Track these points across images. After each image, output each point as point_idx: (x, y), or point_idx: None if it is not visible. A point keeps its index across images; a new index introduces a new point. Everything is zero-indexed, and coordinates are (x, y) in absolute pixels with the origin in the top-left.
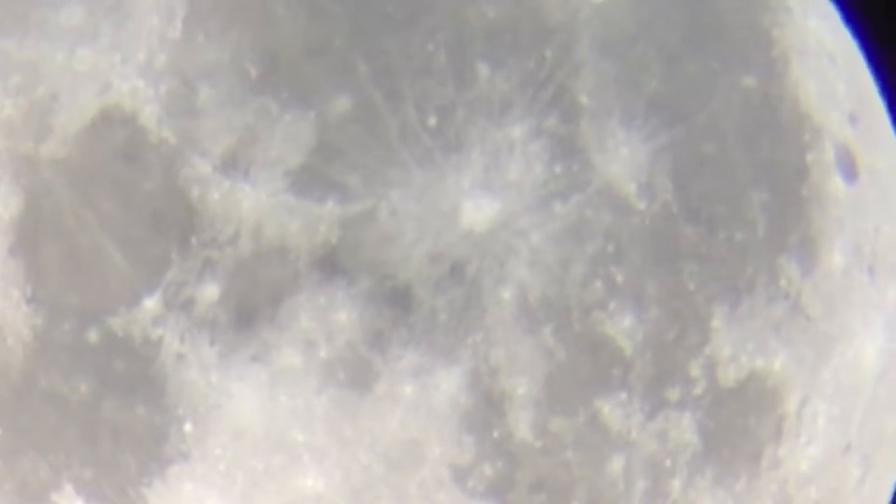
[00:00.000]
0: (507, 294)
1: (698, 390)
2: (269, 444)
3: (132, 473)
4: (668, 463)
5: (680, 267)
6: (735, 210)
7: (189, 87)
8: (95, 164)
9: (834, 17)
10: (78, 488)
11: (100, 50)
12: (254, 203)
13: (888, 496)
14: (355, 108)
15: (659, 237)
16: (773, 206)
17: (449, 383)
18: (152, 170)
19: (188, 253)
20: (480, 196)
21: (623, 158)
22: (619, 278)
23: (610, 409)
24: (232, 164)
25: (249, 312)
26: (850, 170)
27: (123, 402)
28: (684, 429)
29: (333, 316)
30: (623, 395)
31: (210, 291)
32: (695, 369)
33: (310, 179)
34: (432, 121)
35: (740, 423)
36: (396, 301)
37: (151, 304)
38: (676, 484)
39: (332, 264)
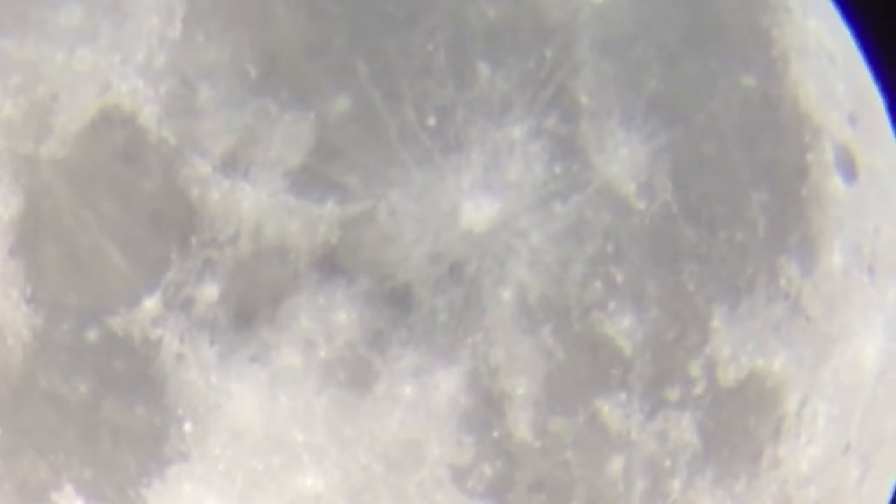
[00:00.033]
0: (506, 294)
1: (698, 390)
2: (268, 445)
3: (132, 473)
4: (667, 463)
5: (680, 267)
6: (735, 210)
7: (189, 88)
8: (95, 164)
9: (834, 17)
10: (78, 488)
11: (99, 50)
12: (254, 203)
13: (888, 496)
14: (355, 108)
15: (658, 237)
16: (773, 207)
17: (448, 383)
18: (152, 170)
19: (188, 253)
20: (480, 196)
21: (623, 158)
22: (619, 278)
23: (609, 410)
24: (232, 165)
25: (249, 312)
26: (849, 170)
27: (123, 403)
28: (684, 429)
29: (333, 316)
30: (623, 396)
31: (210, 291)
32: (695, 369)
33: (310, 179)
34: (432, 121)
35: (740, 423)
36: (396, 301)
37: (151, 304)
38: (676, 484)
39: (331, 264)
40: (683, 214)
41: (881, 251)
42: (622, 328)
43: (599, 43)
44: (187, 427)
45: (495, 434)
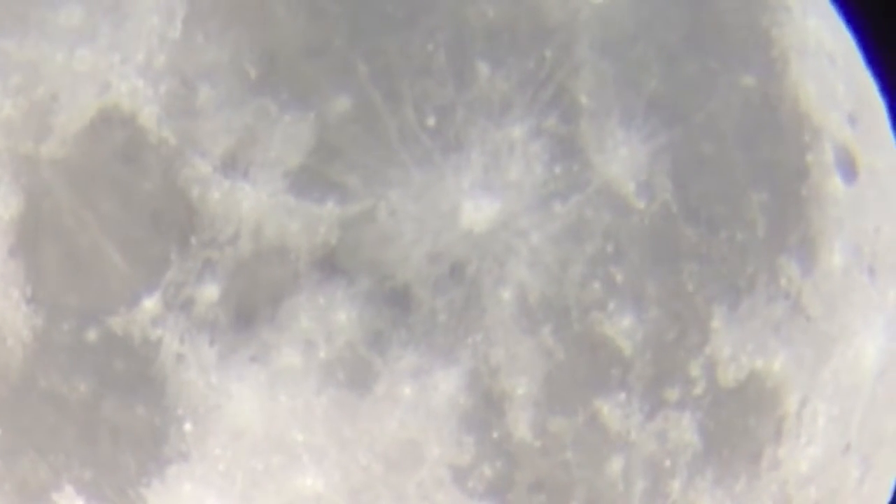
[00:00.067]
0: (506, 294)
1: (698, 390)
2: (268, 445)
3: (132, 473)
4: (667, 463)
5: (679, 267)
6: (735, 210)
7: (189, 88)
8: (95, 164)
9: (834, 16)
10: (78, 489)
11: (99, 50)
12: (254, 203)
13: (888, 496)
14: (355, 108)
15: (658, 237)
16: (773, 207)
17: (448, 384)
18: (152, 170)
19: (188, 253)
20: (480, 196)
21: (622, 158)
22: (619, 278)
23: (609, 410)
24: (232, 165)
25: (249, 313)
26: (849, 170)
27: (123, 403)
28: (684, 429)
29: (333, 316)
30: (622, 396)
31: (210, 292)
32: (694, 369)
33: (309, 180)
34: (432, 121)
35: (740, 423)
36: (396, 301)
37: (151, 304)
38: (676, 484)
39: (331, 264)
40: (683, 214)
41: (881, 251)
42: (622, 328)
43: (599, 43)
44: (187, 427)
45: (495, 434)
